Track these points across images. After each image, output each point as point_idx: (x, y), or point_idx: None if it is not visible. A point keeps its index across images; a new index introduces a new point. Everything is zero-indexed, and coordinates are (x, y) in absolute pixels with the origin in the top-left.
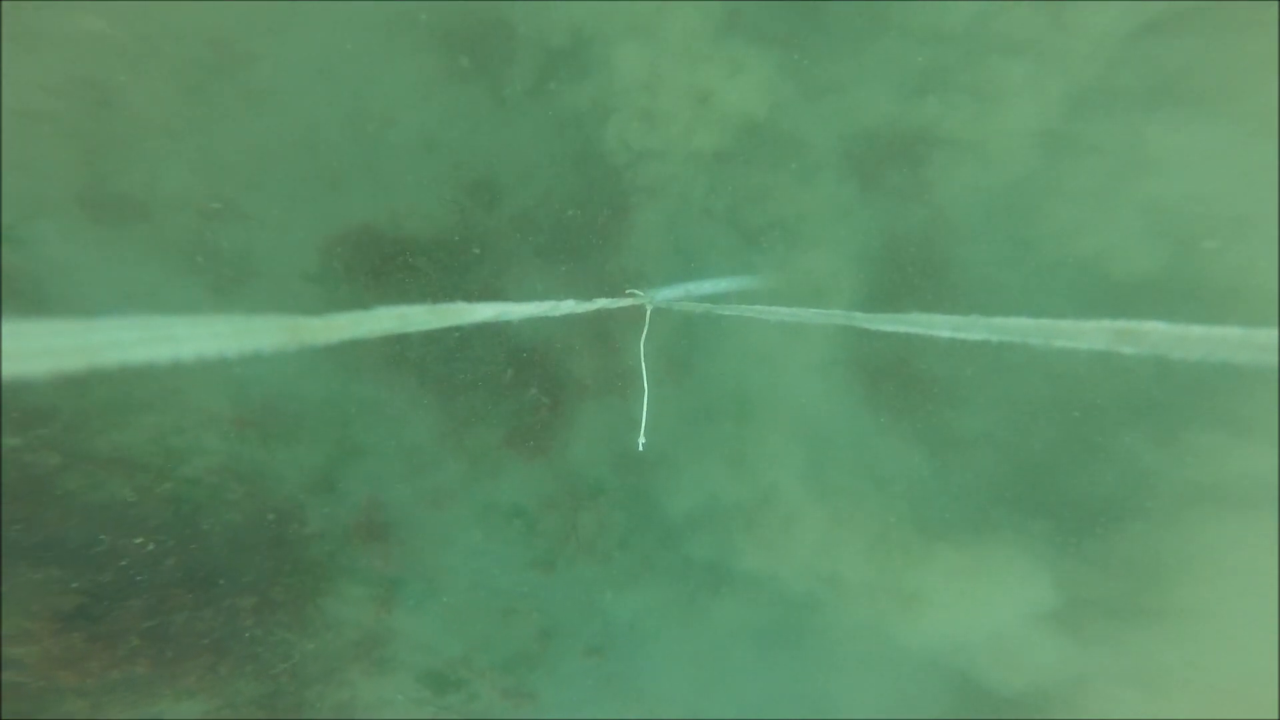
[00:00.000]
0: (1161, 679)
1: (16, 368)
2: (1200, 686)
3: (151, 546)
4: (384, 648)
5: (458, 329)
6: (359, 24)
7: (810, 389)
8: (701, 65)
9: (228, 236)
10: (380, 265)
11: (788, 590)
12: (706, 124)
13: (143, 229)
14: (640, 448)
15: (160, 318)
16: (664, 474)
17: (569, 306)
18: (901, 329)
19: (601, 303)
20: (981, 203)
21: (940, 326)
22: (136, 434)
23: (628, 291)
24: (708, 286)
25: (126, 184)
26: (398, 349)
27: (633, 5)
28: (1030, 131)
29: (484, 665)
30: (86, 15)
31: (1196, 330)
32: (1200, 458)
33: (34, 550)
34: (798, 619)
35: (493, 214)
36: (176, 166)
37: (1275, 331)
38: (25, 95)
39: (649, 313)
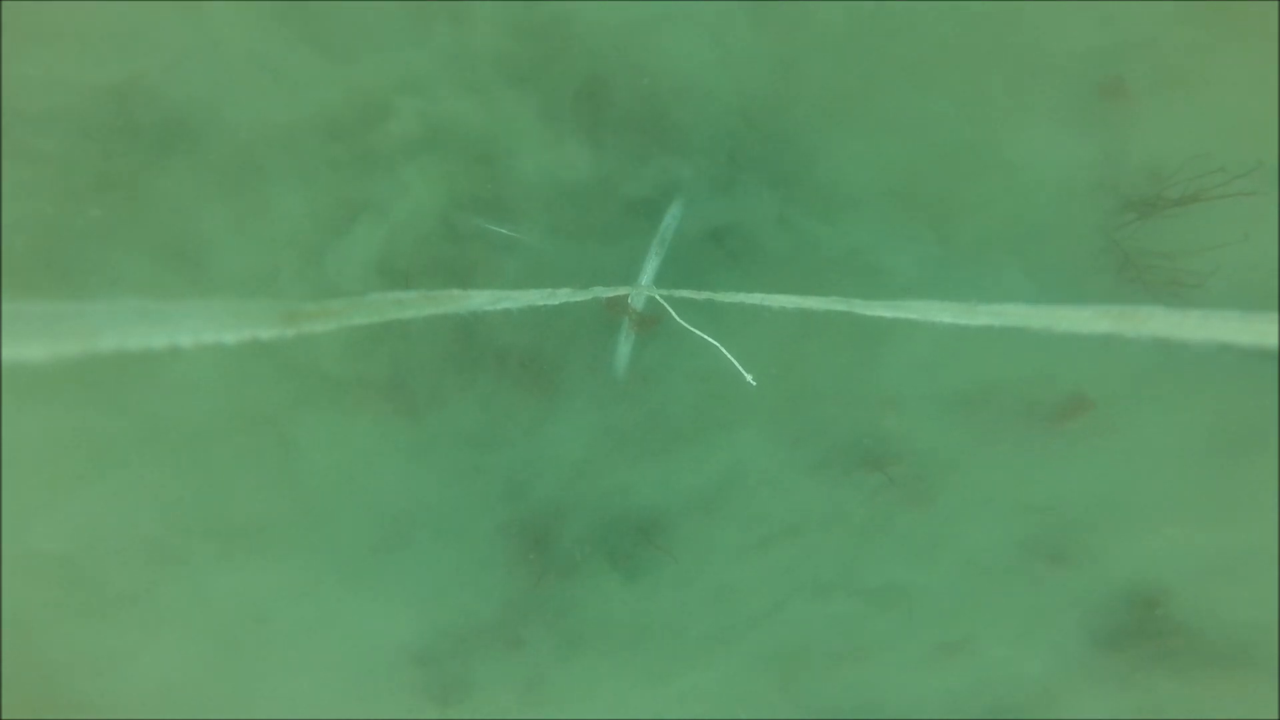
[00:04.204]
0: None
1: (15, 350)
2: None
3: None
4: None
5: None
6: None
7: None
8: None
9: None
10: None
11: None
12: None
13: None
14: (753, 382)
15: (156, 302)
16: None
17: (565, 295)
18: (901, 315)
19: (598, 290)
20: None
21: (940, 313)
22: None
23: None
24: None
25: None
26: None
27: None
28: None
29: None
30: None
31: (1195, 315)
32: None
33: None
34: None
35: None
36: None
37: (1274, 315)
38: None
39: (659, 299)
